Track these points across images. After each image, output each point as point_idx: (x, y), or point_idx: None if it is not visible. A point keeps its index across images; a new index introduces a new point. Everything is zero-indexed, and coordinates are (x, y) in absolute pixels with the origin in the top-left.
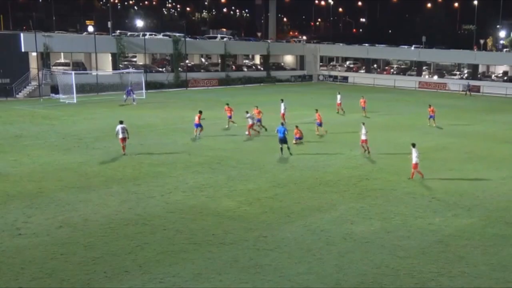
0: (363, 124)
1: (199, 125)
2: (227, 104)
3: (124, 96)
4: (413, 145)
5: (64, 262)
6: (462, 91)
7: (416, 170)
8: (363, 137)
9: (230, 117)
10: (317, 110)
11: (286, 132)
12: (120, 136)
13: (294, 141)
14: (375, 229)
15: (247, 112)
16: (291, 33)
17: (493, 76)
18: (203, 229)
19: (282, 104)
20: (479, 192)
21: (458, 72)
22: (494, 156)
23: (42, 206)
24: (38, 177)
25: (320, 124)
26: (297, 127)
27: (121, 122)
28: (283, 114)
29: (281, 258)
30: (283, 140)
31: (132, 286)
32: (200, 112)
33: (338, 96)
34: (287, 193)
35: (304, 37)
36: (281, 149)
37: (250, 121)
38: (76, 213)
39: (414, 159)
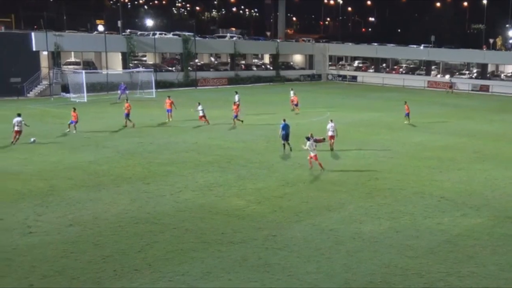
0: (331, 120)
1: (170, 110)
2: (169, 97)
3: (119, 92)
4: (307, 138)
5: (74, 260)
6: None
7: (316, 161)
8: (330, 133)
9: (169, 111)
10: (234, 103)
11: (289, 129)
12: (16, 128)
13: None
14: (383, 228)
15: (199, 104)
16: (288, 30)
17: (502, 75)
18: (212, 228)
19: (236, 96)
20: (488, 192)
21: (467, 72)
22: (503, 155)
23: (52, 205)
24: (49, 176)
25: (236, 117)
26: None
27: (18, 115)
28: (237, 105)
29: (290, 257)
30: (286, 137)
31: (141, 285)
32: (169, 97)
33: (291, 92)
34: (296, 192)
35: (306, 39)
36: (284, 145)
37: (201, 113)
38: (86, 212)
39: (312, 152)
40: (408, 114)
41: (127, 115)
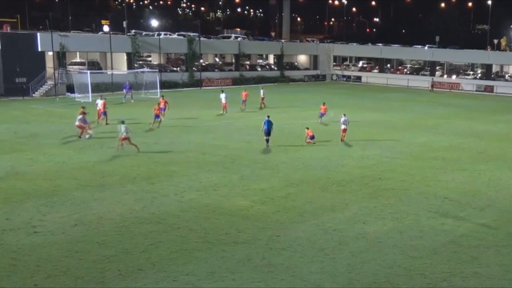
0: (344, 114)
1: (164, 109)
2: (162, 96)
3: (125, 90)
4: (122, 122)
5: (79, 260)
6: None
7: (129, 142)
8: (342, 127)
9: (163, 109)
10: (159, 104)
11: (271, 125)
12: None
13: (307, 141)
14: (387, 229)
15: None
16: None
17: (506, 76)
18: (217, 228)
19: (223, 95)
20: (492, 192)
21: (471, 72)
22: (508, 156)
23: (57, 205)
24: (54, 176)
25: (157, 117)
26: (307, 128)
27: (122, 122)
28: (225, 104)
29: (293, 257)
30: (268, 132)
31: (145, 284)
32: (162, 97)
33: (261, 91)
34: (300, 193)
35: (310, 39)
36: (267, 140)
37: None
38: (91, 212)
39: (124, 134)
40: (322, 115)
41: (163, 109)
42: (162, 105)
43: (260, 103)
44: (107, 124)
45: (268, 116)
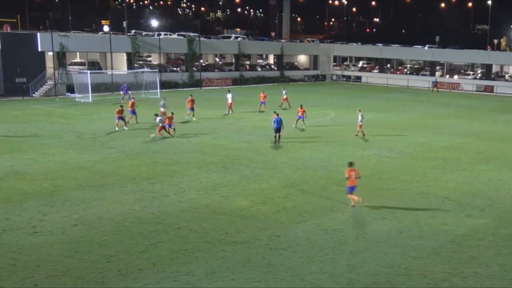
0: (360, 110)
1: (193, 109)
2: (191, 95)
3: (122, 92)
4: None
5: (79, 260)
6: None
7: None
8: (360, 123)
9: (192, 110)
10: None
11: (281, 123)
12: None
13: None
14: (387, 229)
15: (156, 115)
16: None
17: (506, 76)
18: (216, 228)
19: (229, 95)
20: (492, 192)
21: (471, 72)
22: (508, 156)
23: (57, 205)
24: (54, 176)
25: (169, 125)
26: (275, 112)
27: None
28: (230, 104)
29: (293, 257)
30: (277, 130)
31: (145, 284)
32: (191, 95)
33: (284, 92)
34: (300, 193)
35: (310, 39)
36: (275, 137)
37: (160, 124)
38: (91, 212)
39: None
40: (301, 117)
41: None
42: (189, 106)
43: (282, 102)
44: (137, 123)
45: (278, 114)
